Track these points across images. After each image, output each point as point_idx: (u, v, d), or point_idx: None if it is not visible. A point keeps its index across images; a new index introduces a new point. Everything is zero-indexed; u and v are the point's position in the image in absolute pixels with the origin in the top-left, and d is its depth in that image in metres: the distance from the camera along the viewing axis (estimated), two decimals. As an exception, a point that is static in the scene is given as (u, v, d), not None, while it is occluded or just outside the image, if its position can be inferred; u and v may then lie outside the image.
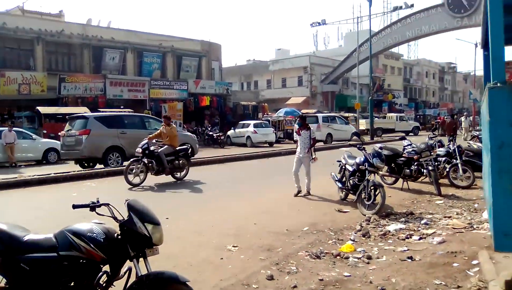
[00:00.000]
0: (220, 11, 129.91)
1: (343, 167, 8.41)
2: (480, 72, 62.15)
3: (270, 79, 51.66)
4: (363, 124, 33.82)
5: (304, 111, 37.81)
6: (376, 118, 35.64)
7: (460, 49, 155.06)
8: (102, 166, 13.98)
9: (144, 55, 31.19)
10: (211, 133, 26.60)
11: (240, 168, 15.32)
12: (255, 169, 15.18)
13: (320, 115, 27.10)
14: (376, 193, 7.13)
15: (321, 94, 48.29)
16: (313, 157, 9.07)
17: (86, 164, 14.57)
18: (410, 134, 34.57)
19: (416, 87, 65.26)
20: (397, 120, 37.91)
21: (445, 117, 28.18)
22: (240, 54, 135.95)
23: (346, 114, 36.23)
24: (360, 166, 7.49)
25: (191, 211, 7.90)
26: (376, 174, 7.71)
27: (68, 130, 14.49)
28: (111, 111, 21.37)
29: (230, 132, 27.32)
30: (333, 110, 44.33)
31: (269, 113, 35.56)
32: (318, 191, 9.26)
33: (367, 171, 7.36)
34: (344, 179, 8.26)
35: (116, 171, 12.80)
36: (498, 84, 3.28)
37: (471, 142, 14.08)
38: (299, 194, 9.00)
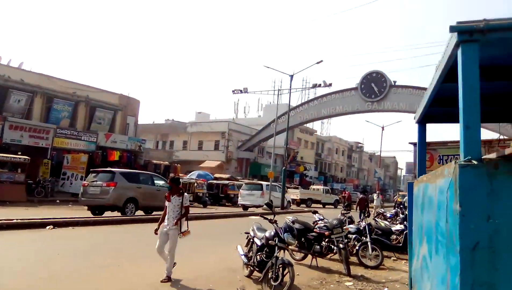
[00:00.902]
0: (144, 67, 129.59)
1: (251, 240, 7.63)
2: (384, 153, 67.37)
3: (187, 140, 50.94)
4: (296, 194, 36.60)
5: (217, 175, 37.35)
6: (305, 190, 40.56)
7: (368, 131, 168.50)
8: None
9: (54, 102, 29.09)
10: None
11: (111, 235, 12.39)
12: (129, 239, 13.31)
13: (264, 183, 28.84)
14: (285, 273, 6.38)
15: (236, 160, 48.36)
16: (183, 231, 7.10)
17: (97, 212, 16.64)
18: (331, 206, 36.91)
19: (326, 162, 68.20)
20: (323, 193, 40.37)
21: (359, 194, 29.30)
22: (160, 113, 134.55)
23: (259, 182, 36.33)
24: (270, 241, 6.76)
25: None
26: (286, 250, 7.01)
27: (92, 181, 16.77)
28: (4, 157, 20.98)
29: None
30: (246, 177, 44.30)
31: (180, 175, 34.37)
32: (221, 265, 8.32)
33: (276, 247, 6.64)
34: (251, 254, 7.45)
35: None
36: (473, 162, 2.29)
37: (377, 219, 14.15)
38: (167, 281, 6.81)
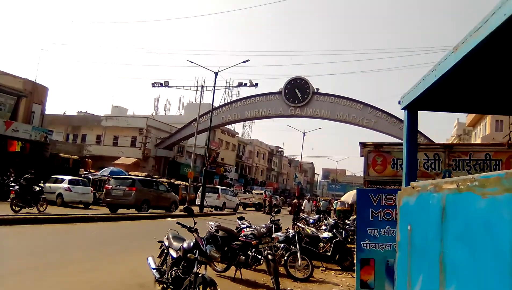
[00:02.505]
0: (54, 51, 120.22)
1: (165, 250, 6.32)
2: (305, 159, 68.71)
3: (101, 134, 47.52)
4: (249, 198, 39.15)
5: (133, 173, 34.99)
6: (242, 193, 42.53)
7: (288, 136, 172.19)
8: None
9: None
10: (13, 184, 21.66)
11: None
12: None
13: (220, 187, 32.08)
14: (206, 293, 5.19)
15: (154, 158, 46.06)
16: None
17: (113, 209, 20.56)
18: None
19: (247, 165, 67.86)
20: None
21: (297, 199, 29.39)
22: (72, 104, 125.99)
23: (177, 182, 34.86)
24: (188, 254, 5.51)
25: None
26: (210, 266, 5.81)
27: (116, 185, 21.02)
28: None
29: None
30: (164, 176, 42.28)
31: (91, 171, 31.70)
32: (129, 279, 6.91)
33: (196, 261, 5.42)
34: (164, 268, 6.15)
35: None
36: None
37: (300, 224, 13.44)
38: None
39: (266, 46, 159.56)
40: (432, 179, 4.50)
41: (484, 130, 35.66)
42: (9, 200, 16.93)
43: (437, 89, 2.24)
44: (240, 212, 31.63)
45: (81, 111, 54.60)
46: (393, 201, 4.97)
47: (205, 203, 27.82)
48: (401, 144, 6.10)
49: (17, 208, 15.73)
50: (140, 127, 45.47)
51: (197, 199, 29.13)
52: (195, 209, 25.26)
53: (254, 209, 38.86)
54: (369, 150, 5.74)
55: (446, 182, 1.86)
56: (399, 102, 2.81)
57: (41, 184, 22.59)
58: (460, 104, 2.58)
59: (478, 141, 33.58)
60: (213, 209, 28.70)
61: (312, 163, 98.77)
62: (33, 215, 14.55)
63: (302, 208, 24.57)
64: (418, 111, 2.65)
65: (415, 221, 2.28)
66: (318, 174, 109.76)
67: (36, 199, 16.75)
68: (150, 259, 6.45)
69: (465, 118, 42.10)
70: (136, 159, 43.74)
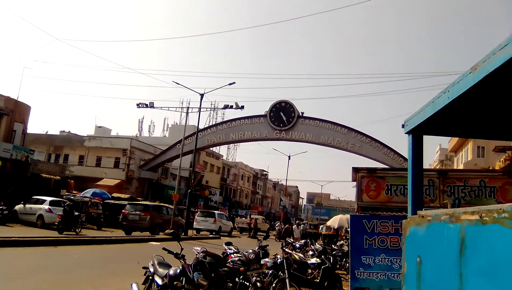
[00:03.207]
0: (38, 69, 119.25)
1: (150, 277, 6.05)
2: (289, 182, 68.45)
3: (84, 155, 46.71)
4: (246, 223, 38.66)
5: (116, 195, 34.35)
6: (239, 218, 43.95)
7: (272, 159, 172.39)
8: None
9: None
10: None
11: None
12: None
13: (216, 212, 33.53)
14: (193, 325, 4.95)
15: (138, 179, 45.38)
16: None
17: (128, 232, 22.67)
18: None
19: (231, 187, 67.38)
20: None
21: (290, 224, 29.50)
22: (54, 124, 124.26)
23: (162, 204, 34.35)
24: (175, 282, 5.27)
25: None
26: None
27: (132, 211, 23.57)
28: None
29: (18, 207, 22.31)
30: (148, 198, 41.59)
31: (74, 192, 31.01)
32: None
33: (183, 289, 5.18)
34: (149, 296, 5.87)
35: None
36: None
37: (287, 249, 13.19)
38: None
39: (252, 68, 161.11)
40: (427, 206, 4.37)
41: (466, 156, 36.15)
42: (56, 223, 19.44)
43: (447, 112, 2.14)
44: (235, 235, 33.57)
45: (63, 131, 53.85)
46: (388, 228, 4.85)
47: (201, 227, 30.35)
48: (395, 169, 6.05)
49: (61, 231, 18.56)
50: (123, 148, 44.89)
51: (194, 223, 30.63)
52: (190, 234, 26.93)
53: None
54: (362, 175, 5.63)
55: (466, 213, 1.74)
56: (403, 126, 2.71)
57: (21, 204, 22.07)
58: (472, 129, 2.49)
59: (461, 167, 33.97)
60: (207, 233, 30.51)
61: (296, 186, 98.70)
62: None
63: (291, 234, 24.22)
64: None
65: (425, 253, 2.15)
66: (302, 198, 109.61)
67: (76, 223, 19.63)
68: (134, 286, 6.16)
69: (447, 143, 42.70)
70: (119, 180, 43.02)
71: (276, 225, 39.68)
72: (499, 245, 1.48)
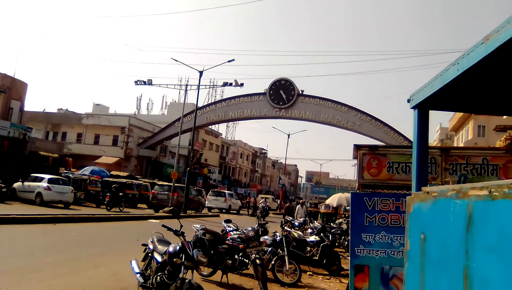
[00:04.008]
0: (35, 46, 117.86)
1: (150, 254, 6.06)
2: (288, 161, 68.53)
3: (82, 133, 46.61)
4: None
5: (114, 173, 34.39)
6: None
7: (272, 138, 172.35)
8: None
9: None
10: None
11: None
12: None
13: (226, 192, 36.03)
14: (193, 300, 4.96)
15: (136, 158, 45.39)
16: None
17: (156, 210, 25.33)
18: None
19: (230, 166, 67.51)
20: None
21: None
22: (52, 101, 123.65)
23: (160, 182, 34.45)
24: (174, 258, 5.27)
25: None
26: (195, 271, 5.57)
27: (160, 191, 27.12)
28: None
29: (16, 185, 22.20)
30: (147, 176, 41.69)
31: (72, 170, 31.01)
32: (111, 282, 6.62)
33: (183, 266, 5.18)
34: (149, 272, 5.89)
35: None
36: None
37: (286, 228, 13.26)
38: None
39: (252, 45, 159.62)
40: (429, 183, 4.32)
41: (466, 135, 36.12)
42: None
43: (456, 86, 2.07)
44: (243, 213, 35.70)
45: (61, 109, 53.57)
46: (389, 206, 4.82)
47: (212, 205, 32.55)
48: (397, 146, 5.99)
49: (109, 208, 22.07)
50: (122, 126, 44.76)
51: (206, 202, 32.49)
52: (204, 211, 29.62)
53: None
54: (364, 153, 5.57)
55: (474, 188, 1.68)
56: (408, 101, 2.63)
57: (20, 182, 22.07)
58: (481, 104, 2.41)
59: (461, 145, 33.96)
60: (217, 210, 32.56)
61: (295, 165, 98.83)
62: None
63: (295, 213, 24.15)
64: (430, 111, 2.48)
65: (430, 230, 2.10)
66: (301, 177, 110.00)
67: (120, 202, 22.98)
68: (134, 263, 6.18)
69: (448, 122, 42.61)
70: (118, 158, 43.03)
71: (286, 205, 39.75)
72: (510, 220, 1.43)
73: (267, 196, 43.59)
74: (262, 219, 9.88)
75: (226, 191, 36.53)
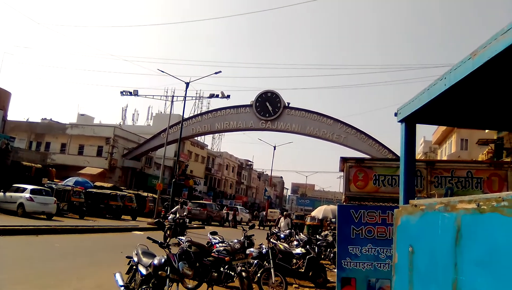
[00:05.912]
0: (20, 54, 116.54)
1: (134, 266, 5.96)
2: (274, 173, 68.49)
3: (66, 143, 45.99)
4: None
5: (98, 184, 33.94)
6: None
7: (258, 149, 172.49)
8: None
9: None
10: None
11: None
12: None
13: (238, 207, 40.19)
14: (178, 314, 4.90)
15: (121, 168, 44.93)
16: None
17: (189, 222, 26.05)
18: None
19: (216, 177, 67.25)
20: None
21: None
22: (36, 111, 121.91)
23: (145, 194, 34.11)
24: (160, 271, 5.20)
25: None
26: (181, 284, 5.50)
27: (194, 207, 32.73)
28: None
29: (-4, 196, 21.73)
30: (131, 188, 41.23)
31: (55, 180, 30.51)
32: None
33: (168, 279, 5.11)
34: (133, 285, 5.79)
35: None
36: None
37: (272, 240, 13.22)
38: None
39: (239, 58, 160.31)
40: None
41: (450, 148, 36.63)
42: None
43: (443, 100, 2.10)
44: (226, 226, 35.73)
45: (45, 118, 52.85)
46: (375, 218, 4.84)
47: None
48: (383, 159, 6.05)
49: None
50: (107, 136, 44.32)
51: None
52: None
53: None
54: (350, 165, 5.60)
55: (462, 201, 1.69)
56: (395, 114, 2.66)
57: (1, 192, 21.61)
58: (468, 118, 2.44)
59: (445, 158, 34.42)
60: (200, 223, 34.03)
61: (281, 177, 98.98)
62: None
63: (278, 225, 24.04)
64: (417, 124, 2.51)
65: (418, 243, 2.11)
66: (287, 188, 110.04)
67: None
68: (118, 276, 6.08)
69: (431, 136, 43.20)
70: (102, 169, 42.50)
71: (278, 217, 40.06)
72: (498, 234, 1.44)
73: (274, 210, 44.79)
74: (248, 231, 9.80)
75: (238, 207, 40.02)
